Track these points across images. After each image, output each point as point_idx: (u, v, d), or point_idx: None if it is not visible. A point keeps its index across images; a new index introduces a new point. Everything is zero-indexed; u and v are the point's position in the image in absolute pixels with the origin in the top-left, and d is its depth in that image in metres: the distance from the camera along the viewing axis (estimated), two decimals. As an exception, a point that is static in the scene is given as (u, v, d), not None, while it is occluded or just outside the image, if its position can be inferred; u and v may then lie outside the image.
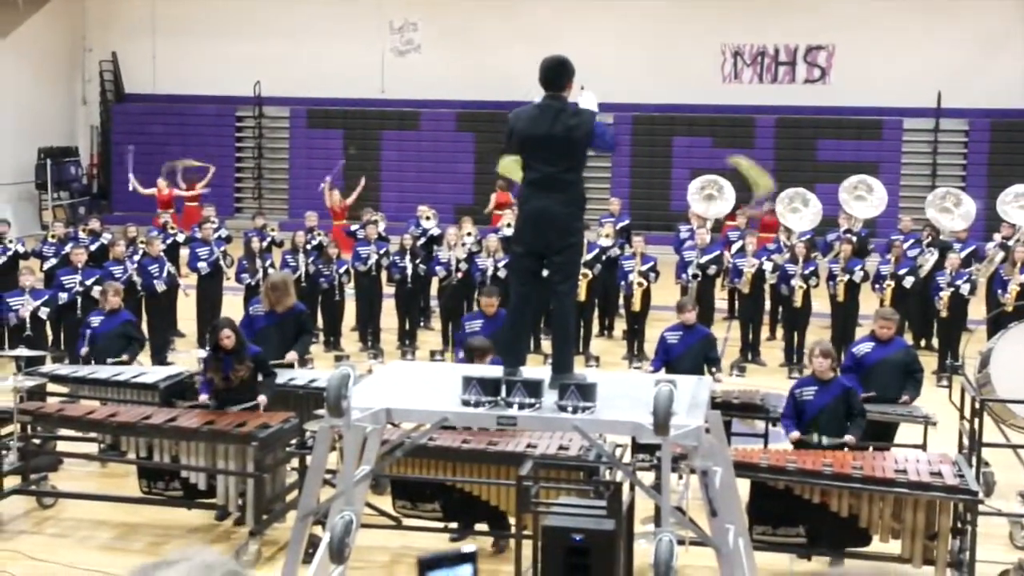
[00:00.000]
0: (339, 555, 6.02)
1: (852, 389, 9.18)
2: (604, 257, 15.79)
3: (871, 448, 9.40)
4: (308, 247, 16.11)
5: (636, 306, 15.21)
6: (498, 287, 12.89)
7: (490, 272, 15.15)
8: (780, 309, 15.86)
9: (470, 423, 7.16)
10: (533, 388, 6.31)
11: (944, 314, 14.65)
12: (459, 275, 15.43)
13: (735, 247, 16.42)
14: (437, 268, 15.67)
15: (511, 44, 24.87)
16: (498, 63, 24.93)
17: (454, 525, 9.05)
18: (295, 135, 27.80)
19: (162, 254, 15.33)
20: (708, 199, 18.46)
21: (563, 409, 6.21)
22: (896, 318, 10.59)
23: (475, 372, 6.72)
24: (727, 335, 16.38)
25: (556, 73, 6.66)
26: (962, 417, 10.00)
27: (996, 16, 24.65)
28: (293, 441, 9.35)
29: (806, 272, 14.99)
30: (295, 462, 9.48)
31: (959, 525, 8.06)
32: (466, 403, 6.31)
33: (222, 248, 16.03)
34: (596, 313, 16.30)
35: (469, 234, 16.34)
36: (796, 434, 9.05)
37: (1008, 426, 10.22)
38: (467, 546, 4.43)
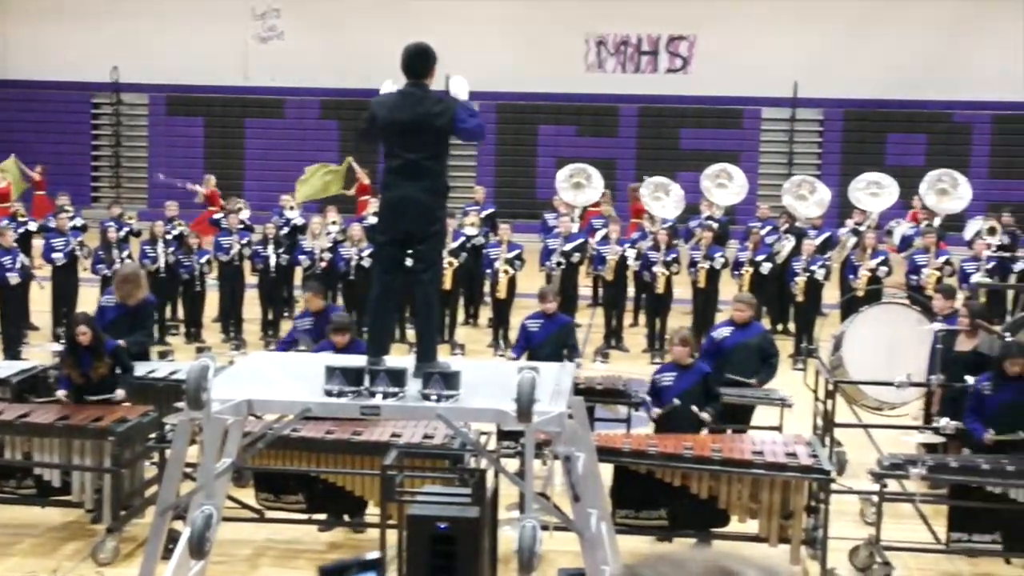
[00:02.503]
0: (199, 550, 5.93)
1: (710, 374, 9.39)
2: (469, 245, 15.82)
3: (729, 431, 9.63)
4: (168, 237, 15.77)
5: (502, 294, 15.28)
6: (319, 282, 12.75)
7: (354, 262, 15.06)
8: (643, 296, 16.11)
9: (333, 413, 7.10)
10: (397, 377, 6.30)
11: (800, 299, 15.04)
12: (323, 265, 15.30)
13: (599, 235, 16.60)
14: (301, 257, 15.51)
15: (376, 31, 24.68)
16: (363, 50, 24.71)
17: (319, 516, 8.99)
18: (154, 122, 27.19)
19: (15, 245, 14.85)
20: (576, 187, 18.64)
21: (427, 398, 6.21)
22: (753, 302, 10.82)
23: (338, 362, 6.68)
24: (591, 322, 16.58)
25: (418, 61, 6.66)
26: (816, 399, 10.31)
27: (851, 8, 25.36)
28: (152, 435, 9.16)
29: (668, 259, 15.24)
30: (155, 456, 9.30)
31: (813, 504, 8.29)
32: (329, 393, 6.27)
33: (78, 238, 15.60)
34: (462, 301, 16.33)
35: (334, 223, 16.21)
36: (657, 411, 9.20)
37: (859, 407, 10.57)
38: (371, 553, 4.40)
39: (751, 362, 10.25)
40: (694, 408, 9.18)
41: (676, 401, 9.19)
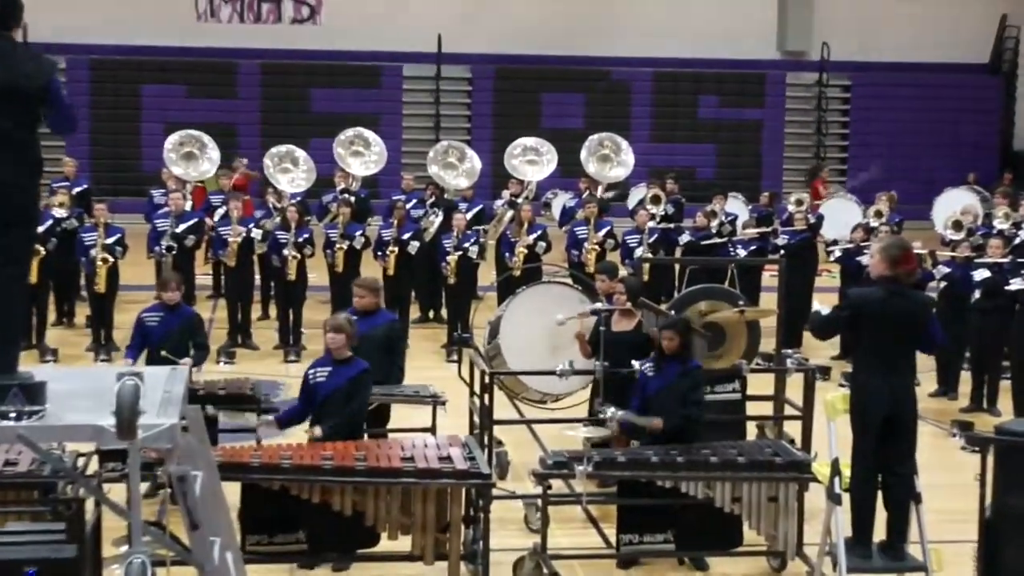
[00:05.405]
0: None
1: (368, 368, 9.27)
2: (59, 230, 15.19)
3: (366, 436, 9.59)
4: None
5: (101, 286, 14.79)
6: None
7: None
8: (272, 283, 15.98)
9: None
10: (-36, 394, 5.96)
11: (452, 280, 15.35)
12: None
13: (218, 214, 16.33)
14: None
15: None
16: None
17: None
18: None
19: None
20: (188, 158, 18.26)
21: (4, 416, 5.93)
22: (376, 287, 10.53)
23: None
24: (212, 316, 16.31)
25: (4, 7, 6.30)
26: (473, 393, 10.51)
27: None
28: None
29: (300, 240, 15.17)
30: None
31: (472, 513, 8.45)
32: None
33: None
34: (53, 297, 15.68)
35: None
36: (318, 430, 9.02)
37: (521, 400, 10.88)
38: None
39: (376, 356, 10.05)
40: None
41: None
